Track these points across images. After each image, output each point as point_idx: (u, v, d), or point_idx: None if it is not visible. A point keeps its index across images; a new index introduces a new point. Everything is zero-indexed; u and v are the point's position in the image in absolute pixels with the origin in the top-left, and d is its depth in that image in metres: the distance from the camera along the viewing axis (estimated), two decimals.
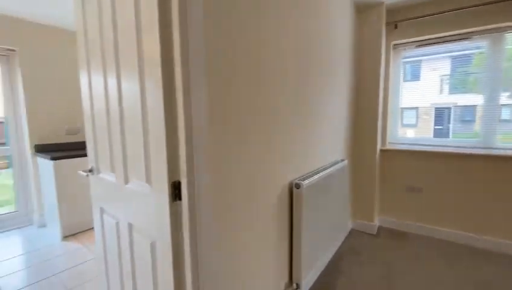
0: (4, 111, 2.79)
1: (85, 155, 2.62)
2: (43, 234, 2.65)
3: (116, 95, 1.07)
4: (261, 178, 1.23)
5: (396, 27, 2.53)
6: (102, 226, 1.33)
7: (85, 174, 1.34)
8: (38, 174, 2.77)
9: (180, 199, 0.88)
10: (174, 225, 0.89)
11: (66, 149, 2.91)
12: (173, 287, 0.92)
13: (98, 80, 1.18)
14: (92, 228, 2.72)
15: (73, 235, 2.61)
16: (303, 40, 1.52)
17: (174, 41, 0.81)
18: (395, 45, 2.62)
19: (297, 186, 1.38)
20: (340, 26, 2.10)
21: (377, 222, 2.62)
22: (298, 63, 1.48)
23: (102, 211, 1.32)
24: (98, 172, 1.30)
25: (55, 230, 2.58)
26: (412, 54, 2.64)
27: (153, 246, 0.99)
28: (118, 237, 1.21)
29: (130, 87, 0.99)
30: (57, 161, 2.43)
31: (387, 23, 2.50)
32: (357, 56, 2.53)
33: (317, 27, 1.68)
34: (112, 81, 1.08)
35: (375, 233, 2.55)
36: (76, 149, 2.93)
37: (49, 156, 2.43)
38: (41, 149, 2.77)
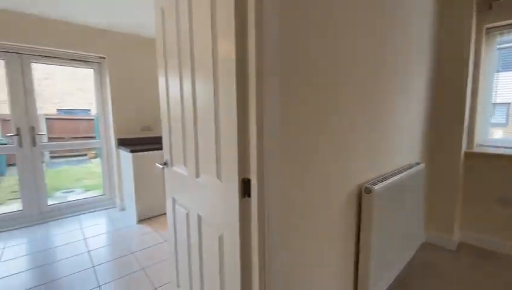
0: (96, 109, 3.30)
1: (157, 149, 2.92)
2: (122, 217, 3.06)
3: (190, 95, 1.13)
4: (328, 180, 1.17)
5: (491, 7, 2.11)
6: (174, 215, 1.45)
7: (161, 166, 1.48)
8: (120, 164, 3.20)
9: (249, 195, 0.88)
10: (243, 221, 0.90)
11: (141, 143, 3.29)
12: (240, 281, 0.94)
13: (174, 82, 1.28)
14: (162, 214, 3.03)
15: (146, 219, 2.94)
16: (373, 35, 1.38)
17: (248, 43, 0.81)
18: (488, 28, 2.19)
19: (368, 190, 1.26)
20: (418, 10, 1.84)
21: (457, 237, 2.26)
22: (368, 59, 1.35)
23: (174, 201, 1.44)
24: (172, 165, 1.42)
25: (132, 214, 2.96)
26: (508, 38, 2.18)
27: (220, 239, 1.03)
28: (188, 226, 1.30)
29: (204, 87, 1.03)
30: (135, 153, 2.77)
31: (479, 3, 2.11)
32: (438, 44, 2.20)
33: (391, 18, 1.51)
34: (187, 83, 1.15)
35: (454, 249, 2.20)
36: (149, 143, 3.29)
37: (129, 149, 2.79)
38: (122, 143, 3.19)
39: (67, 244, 2.41)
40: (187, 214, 1.29)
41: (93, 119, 8.78)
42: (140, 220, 2.90)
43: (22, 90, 2.73)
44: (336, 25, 1.10)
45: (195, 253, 1.24)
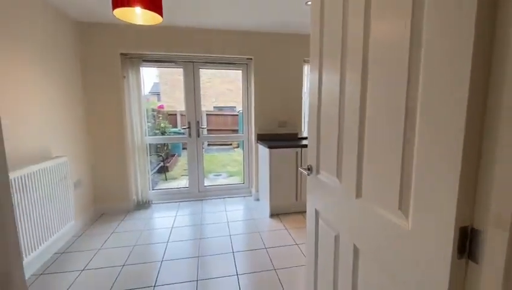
0: (241, 107, 3.66)
1: (292, 146, 2.86)
2: (256, 207, 3.25)
3: (357, 93, 0.85)
4: None
5: None
6: (316, 230, 1.24)
7: (305, 172, 1.30)
8: (258, 157, 3.41)
9: (472, 258, 0.51)
10: None
11: (277, 139, 3.37)
12: None
13: (331, 79, 1.05)
14: (293, 213, 2.97)
15: (277, 215, 2.98)
16: None
17: None
18: None
19: None
20: None
21: None
22: None
23: (317, 214, 1.23)
24: (317, 172, 1.21)
25: (265, 206, 3.08)
26: None
27: None
28: (336, 253, 1.05)
29: (385, 83, 0.73)
30: (272, 149, 2.82)
31: None
32: None
33: None
34: (354, 79, 0.88)
35: None
36: (284, 140, 3.32)
37: (267, 145, 2.88)
38: (261, 138, 3.37)
39: (215, 223, 2.79)
40: (336, 237, 1.05)
41: (237, 115, 10.36)
42: (273, 215, 2.96)
43: (193, 92, 3.38)
44: None
45: (346, 286, 0.98)
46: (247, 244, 2.35)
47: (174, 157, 6.76)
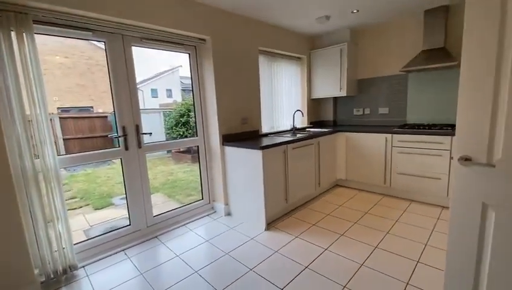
0: (194, 102, 2.82)
1: (281, 144, 2.55)
2: (235, 224, 2.64)
3: None
4: None
5: None
6: (483, 229, 1.11)
7: (461, 164, 1.12)
8: (225, 164, 2.77)
9: None
10: None
11: (242, 139, 2.89)
12: None
13: None
14: (284, 217, 2.64)
15: (270, 224, 2.57)
16: None
17: None
18: None
19: None
20: None
21: None
22: None
23: (485, 207, 1.11)
24: (488, 162, 1.08)
25: (248, 220, 2.57)
26: None
27: None
28: None
29: None
30: (265, 150, 2.37)
31: None
32: None
33: None
34: None
35: None
36: (249, 139, 2.90)
37: (254, 146, 2.40)
38: (226, 139, 2.78)
39: (223, 269, 2.01)
40: None
41: (106, 117, 7.95)
42: (269, 225, 2.53)
43: (126, 80, 2.24)
44: None
45: None
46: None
47: None
